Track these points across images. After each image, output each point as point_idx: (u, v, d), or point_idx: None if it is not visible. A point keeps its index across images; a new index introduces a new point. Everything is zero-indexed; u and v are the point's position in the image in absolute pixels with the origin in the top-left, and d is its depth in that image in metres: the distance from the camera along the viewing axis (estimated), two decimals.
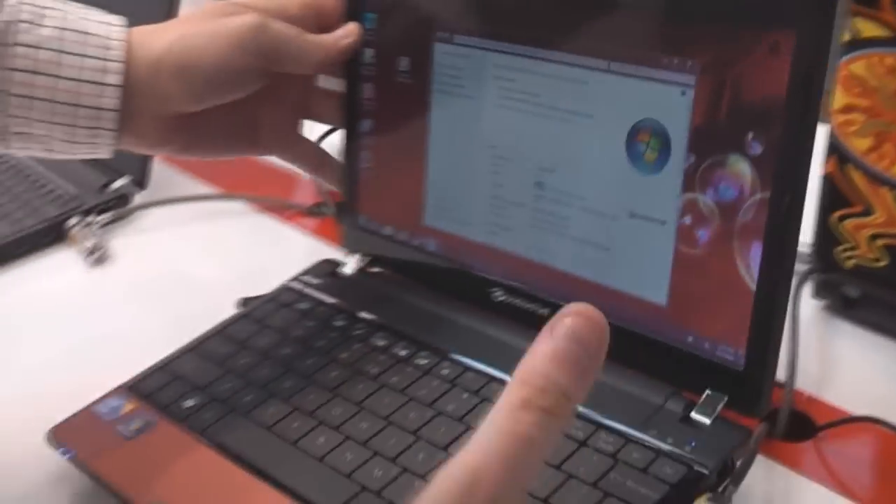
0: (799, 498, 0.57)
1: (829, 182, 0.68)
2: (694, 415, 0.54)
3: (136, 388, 0.65)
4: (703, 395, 0.55)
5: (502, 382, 0.59)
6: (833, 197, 0.68)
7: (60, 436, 0.62)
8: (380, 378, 0.62)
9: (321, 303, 0.70)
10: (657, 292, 0.56)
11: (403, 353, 0.63)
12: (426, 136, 0.66)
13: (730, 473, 0.53)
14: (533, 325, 0.60)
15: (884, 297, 0.68)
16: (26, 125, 0.60)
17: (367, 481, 0.54)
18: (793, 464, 0.59)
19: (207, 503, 0.56)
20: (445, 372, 0.61)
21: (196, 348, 0.68)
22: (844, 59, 0.64)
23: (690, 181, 0.54)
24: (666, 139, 0.54)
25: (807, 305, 0.71)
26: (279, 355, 0.65)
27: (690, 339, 0.55)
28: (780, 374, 0.59)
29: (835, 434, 0.61)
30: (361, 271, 0.72)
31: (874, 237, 0.67)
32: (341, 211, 0.73)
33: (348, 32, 0.67)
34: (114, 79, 0.60)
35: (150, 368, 0.66)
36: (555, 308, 0.58)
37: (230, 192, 0.95)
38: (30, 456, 0.62)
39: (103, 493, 0.58)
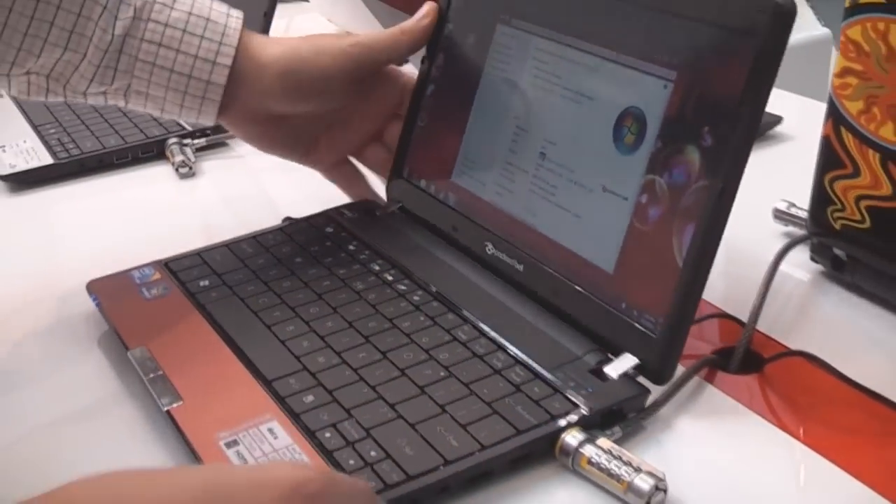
0: (726, 420, 0.62)
1: (825, 144, 0.71)
2: (606, 369, 0.61)
3: (168, 264, 0.76)
4: (621, 356, 0.61)
5: (459, 315, 0.67)
6: (828, 158, 0.71)
7: (94, 286, 0.74)
8: (362, 293, 0.71)
9: (344, 229, 0.80)
10: (607, 260, 0.63)
11: (390, 278, 0.72)
12: (472, 104, 0.75)
13: (619, 422, 0.59)
14: (509, 279, 0.69)
15: (866, 260, 0.71)
16: (145, 86, 0.74)
17: (309, 364, 0.63)
18: (735, 393, 0.64)
19: (179, 354, 0.66)
20: (416, 298, 0.69)
21: (229, 245, 0.79)
22: (844, 23, 0.67)
23: (653, 164, 0.61)
24: (644, 125, 0.61)
25: (803, 268, 0.76)
26: (291, 262, 0.75)
27: (624, 304, 0.62)
28: (744, 317, 0.67)
29: (776, 369, 0.65)
30: (390, 214, 0.81)
31: (860, 198, 0.69)
32: (394, 162, 0.83)
33: (427, 13, 0.79)
34: (224, 60, 0.74)
35: (187, 252, 0.78)
36: (529, 266, 0.66)
37: None
38: (74, 297, 0.75)
39: (113, 335, 0.70)
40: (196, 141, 1.01)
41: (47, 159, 0.98)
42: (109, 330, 0.70)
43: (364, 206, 0.83)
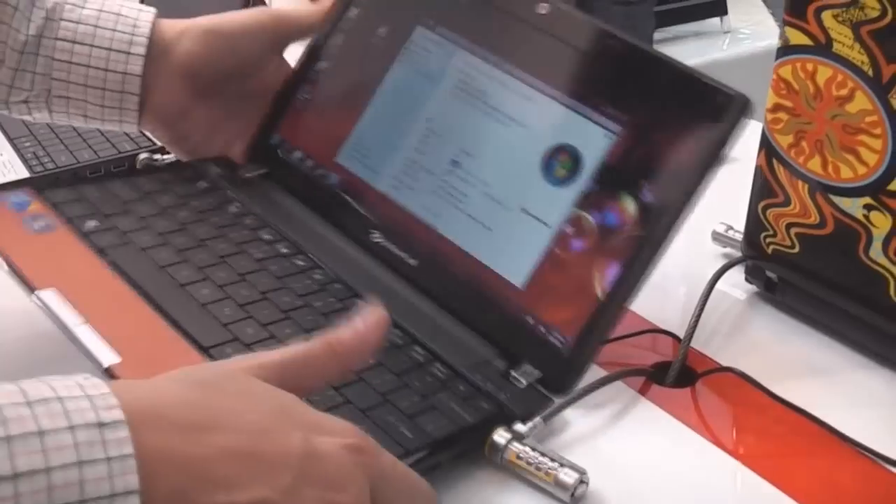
0: (655, 429, 0.67)
1: (759, 174, 0.76)
2: (512, 374, 0.67)
3: (43, 194, 0.73)
4: (523, 365, 0.67)
5: (346, 285, 0.71)
6: (761, 187, 0.76)
7: None
8: (263, 262, 0.71)
9: (218, 187, 0.79)
10: (518, 276, 0.69)
11: (284, 250, 0.74)
12: (373, 91, 0.78)
13: (531, 419, 0.64)
14: (397, 269, 0.74)
15: (796, 282, 0.76)
16: (65, 88, 0.75)
17: (239, 334, 0.64)
18: (667, 406, 0.69)
19: (95, 302, 0.63)
20: (318, 277, 0.72)
21: (102, 181, 0.76)
22: (776, 63, 0.73)
23: (584, 201, 0.68)
24: (579, 164, 0.69)
25: (739, 288, 0.81)
26: (177, 215, 0.74)
27: (531, 319, 0.68)
28: (682, 333, 0.73)
29: (709, 384, 0.72)
30: (258, 178, 0.82)
31: (790, 225, 0.75)
32: (261, 126, 0.83)
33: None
34: (139, 49, 0.76)
35: (54, 175, 0.76)
36: (424, 262, 0.71)
37: None
38: None
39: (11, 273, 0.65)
40: (166, 156, 0.96)
41: (23, 172, 0.99)
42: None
43: (225, 165, 0.82)
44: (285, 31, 0.80)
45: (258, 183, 0.81)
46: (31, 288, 0.64)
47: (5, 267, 0.66)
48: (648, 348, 0.76)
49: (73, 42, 0.75)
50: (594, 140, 0.68)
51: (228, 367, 0.50)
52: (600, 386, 0.68)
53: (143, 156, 0.85)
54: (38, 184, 0.74)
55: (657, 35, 2.03)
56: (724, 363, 0.73)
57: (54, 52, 0.75)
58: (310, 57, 0.82)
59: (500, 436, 0.62)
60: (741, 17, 2.14)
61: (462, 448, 0.62)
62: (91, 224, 0.71)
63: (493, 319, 0.70)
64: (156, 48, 0.76)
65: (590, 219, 0.67)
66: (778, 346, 0.77)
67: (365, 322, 0.54)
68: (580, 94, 0.70)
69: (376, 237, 0.75)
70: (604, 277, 0.66)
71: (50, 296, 0.63)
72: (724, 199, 0.91)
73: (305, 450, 0.47)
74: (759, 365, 0.72)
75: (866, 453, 0.65)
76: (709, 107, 0.65)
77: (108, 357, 0.59)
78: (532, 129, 0.71)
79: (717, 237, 0.88)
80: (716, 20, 2.13)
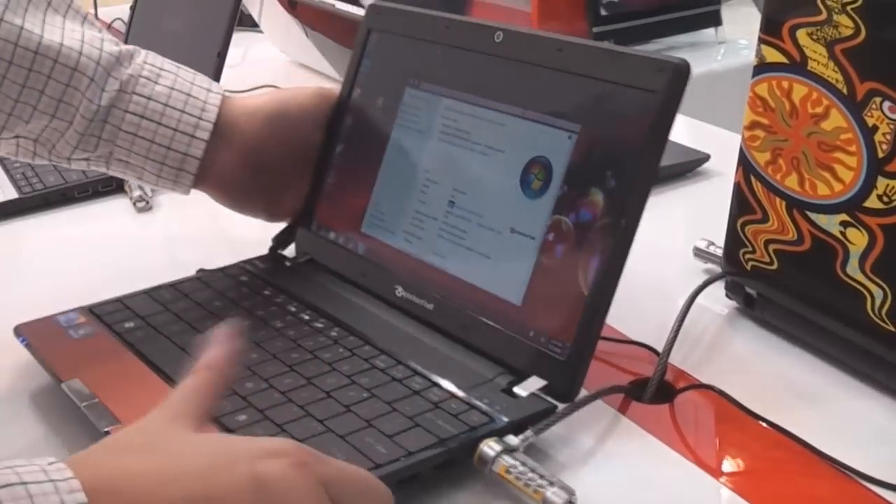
0: (633, 447, 0.67)
1: (737, 190, 0.76)
2: (516, 389, 0.67)
3: (93, 309, 0.79)
4: (529, 378, 0.67)
5: (376, 347, 0.73)
6: (740, 204, 0.76)
7: (22, 329, 0.77)
8: (281, 330, 0.75)
9: (258, 277, 0.84)
10: (515, 294, 0.70)
11: (307, 317, 0.77)
12: (381, 160, 0.82)
13: (523, 430, 0.64)
14: (420, 318, 0.78)
15: (775, 298, 0.76)
16: (126, 155, 0.79)
17: (238, 389, 0.67)
18: (645, 423, 0.69)
19: (112, 384, 0.69)
20: (333, 334, 0.74)
21: (148, 292, 0.82)
22: (753, 80, 0.74)
23: (560, 205, 0.69)
24: (550, 172, 0.70)
25: (720, 303, 0.81)
26: (211, 305, 0.79)
27: (531, 333, 0.68)
28: (661, 348, 0.73)
29: (687, 400, 0.70)
30: (300, 264, 0.87)
31: (768, 242, 0.75)
32: (302, 218, 0.88)
33: None
34: (203, 135, 0.79)
35: (110, 299, 0.81)
36: (438, 304, 0.76)
37: None
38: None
39: (43, 371, 0.72)
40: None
41: (12, 193, 1.05)
42: (40, 368, 0.72)
43: (273, 258, 0.88)
44: (331, 108, 0.85)
45: (300, 268, 0.86)
46: (58, 379, 0.70)
47: (44, 372, 0.72)
48: (629, 364, 0.76)
49: (142, 117, 0.77)
50: (558, 144, 0.69)
51: (155, 427, 0.52)
52: (591, 401, 0.68)
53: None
54: (91, 307, 0.80)
55: (651, 46, 2.04)
56: (704, 380, 0.72)
57: (122, 123, 0.77)
58: (328, 142, 0.87)
59: (490, 447, 0.62)
60: (736, 27, 2.14)
61: (443, 459, 0.62)
62: (129, 325, 0.77)
63: (497, 340, 0.70)
64: (221, 130, 0.79)
65: (567, 221, 0.68)
66: (757, 362, 0.75)
67: (221, 339, 0.57)
68: (539, 105, 0.72)
69: (399, 292, 0.78)
70: (588, 274, 0.66)
71: (73, 384, 0.69)
72: (706, 215, 0.94)
73: (255, 480, 0.49)
74: (738, 382, 0.71)
75: (845, 471, 0.63)
76: (650, 79, 0.65)
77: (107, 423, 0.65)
78: (507, 151, 0.73)
79: (698, 253, 0.87)
80: (711, 31, 2.10)
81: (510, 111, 0.73)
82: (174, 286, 0.83)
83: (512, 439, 0.63)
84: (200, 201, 0.85)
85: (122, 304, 0.79)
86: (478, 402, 0.66)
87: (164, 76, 0.79)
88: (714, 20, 2.11)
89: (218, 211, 0.86)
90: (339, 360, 0.71)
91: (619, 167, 0.66)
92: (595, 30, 1.96)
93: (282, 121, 0.81)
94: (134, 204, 1.06)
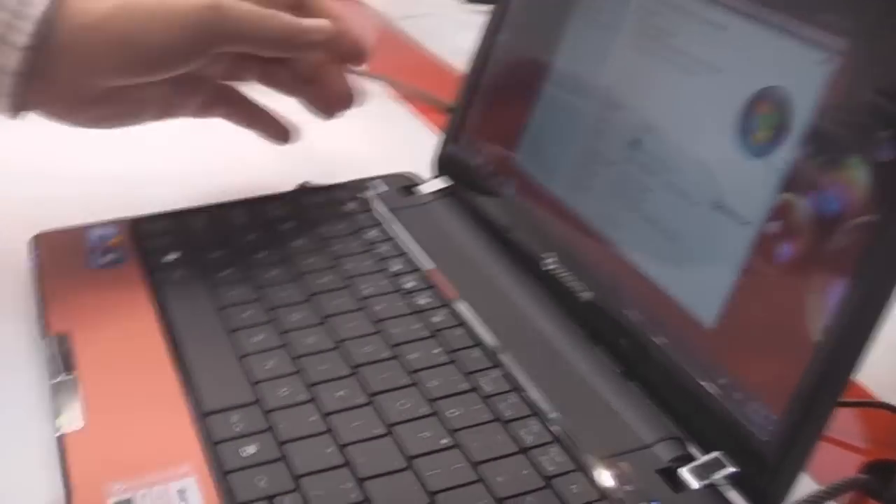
0: None
1: None
2: (682, 471, 0.41)
3: (136, 226, 0.59)
4: (709, 456, 0.41)
5: (488, 353, 0.48)
6: None
7: (41, 241, 0.57)
8: (366, 301, 0.52)
9: (368, 208, 0.61)
10: (707, 308, 0.42)
11: (410, 285, 0.53)
12: (550, 61, 0.55)
13: None
14: (567, 308, 0.50)
15: None
16: None
17: (266, 395, 0.45)
18: None
19: (105, 352, 0.48)
20: (437, 319, 0.51)
21: (214, 210, 0.60)
22: None
23: (793, 178, 0.40)
24: (786, 117, 0.41)
25: None
26: (288, 244, 0.57)
27: (723, 380, 0.41)
28: None
29: None
30: (431, 195, 0.62)
31: None
32: (449, 124, 0.63)
33: (319, 28, 0.57)
34: (22, 40, 0.50)
35: (162, 212, 0.60)
36: (598, 294, 0.47)
37: (373, 71, 0.84)
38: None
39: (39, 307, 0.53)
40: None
41: None
42: (36, 298, 0.53)
43: (399, 181, 0.64)
44: (226, 40, 0.55)
45: (428, 202, 0.62)
46: (43, 331, 0.50)
47: (35, 306, 0.52)
48: (865, 435, 0.47)
49: None
50: (806, 71, 0.40)
51: None
52: None
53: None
54: (137, 220, 0.59)
55: None
56: None
57: None
58: (492, 25, 0.61)
59: None
60: None
61: None
62: (170, 257, 0.56)
63: (666, 375, 0.44)
64: (56, 38, 0.51)
65: (804, 205, 0.39)
66: None
67: None
68: (785, 2, 0.42)
69: (549, 263, 0.52)
70: (824, 303, 0.37)
71: (58, 341, 0.49)
72: None
73: None
74: None
75: None
76: None
77: (71, 421, 0.44)
78: (725, 72, 0.44)
79: None
80: None
81: (736, 5, 0.44)
82: (257, 204, 0.61)
83: None
84: (287, 103, 0.62)
85: (178, 223, 0.59)
86: (617, 492, 0.40)
87: None
88: None
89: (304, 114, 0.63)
90: (427, 369, 0.47)
91: None
92: None
93: (131, 48, 0.52)
94: None
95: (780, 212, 0.40)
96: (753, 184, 0.42)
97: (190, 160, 0.69)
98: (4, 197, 0.64)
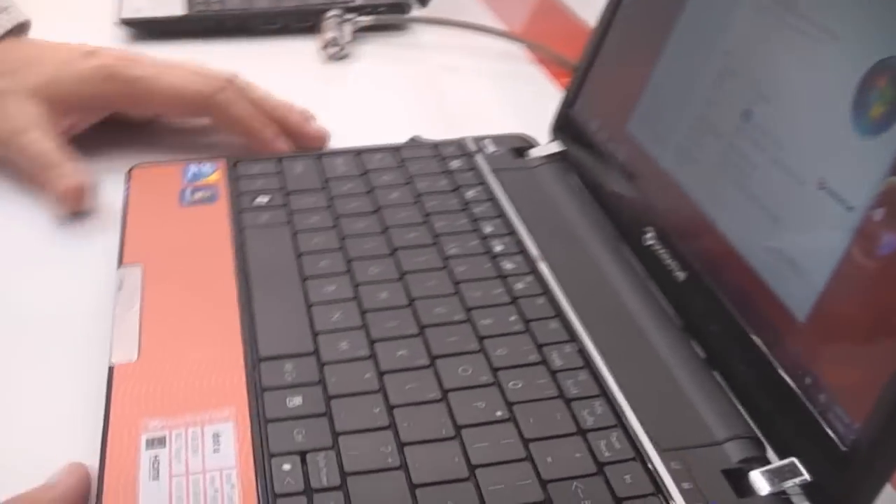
0: None
1: None
2: (753, 474, 0.37)
3: (233, 167, 0.58)
4: (785, 460, 0.37)
5: (566, 325, 0.45)
6: None
7: (135, 174, 0.57)
8: (450, 260, 0.50)
9: (473, 167, 0.58)
10: (800, 301, 0.38)
11: (499, 248, 0.51)
12: (671, 30, 0.51)
13: None
14: (660, 286, 0.46)
15: None
16: None
17: (324, 347, 0.43)
18: None
19: (174, 288, 0.48)
20: (520, 286, 0.48)
21: (314, 157, 0.59)
22: None
23: None
24: None
25: None
26: (384, 196, 0.55)
27: (808, 379, 0.37)
28: None
29: None
30: (540, 159, 0.59)
31: None
32: (568, 90, 0.60)
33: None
34: None
35: (266, 155, 0.59)
36: (693, 275, 0.44)
37: (513, 34, 0.82)
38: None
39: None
40: (361, 18, 0.79)
41: (179, 9, 0.80)
42: (120, 230, 0.53)
43: (511, 142, 0.61)
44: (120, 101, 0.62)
45: (536, 166, 0.59)
46: (121, 261, 0.50)
47: (117, 236, 0.52)
48: None
49: None
50: None
51: None
52: None
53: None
54: (238, 160, 0.59)
55: None
56: None
57: None
58: (609, 11, 0.57)
59: None
60: None
61: None
62: (261, 200, 0.55)
63: (753, 373, 0.40)
64: None
65: None
66: None
67: None
68: None
69: (649, 238, 0.48)
70: None
71: (131, 272, 0.48)
72: None
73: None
74: None
75: None
76: None
77: (125, 354, 0.43)
78: (843, 40, 0.39)
79: None
80: None
81: None
82: (353, 154, 0.59)
83: None
84: (417, 57, 0.63)
85: (277, 167, 0.58)
86: (673, 489, 0.37)
87: None
88: None
89: (439, 75, 0.65)
90: (497, 336, 0.44)
91: None
92: None
93: (54, 102, 0.59)
94: (324, 48, 0.78)
95: (887, 197, 0.36)
96: (863, 165, 0.37)
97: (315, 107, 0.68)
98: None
